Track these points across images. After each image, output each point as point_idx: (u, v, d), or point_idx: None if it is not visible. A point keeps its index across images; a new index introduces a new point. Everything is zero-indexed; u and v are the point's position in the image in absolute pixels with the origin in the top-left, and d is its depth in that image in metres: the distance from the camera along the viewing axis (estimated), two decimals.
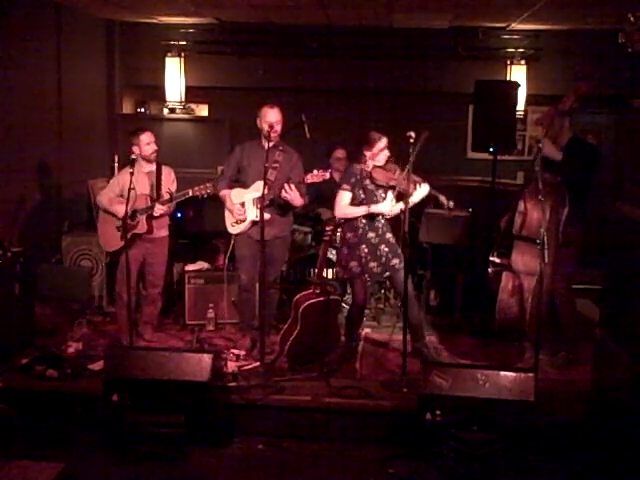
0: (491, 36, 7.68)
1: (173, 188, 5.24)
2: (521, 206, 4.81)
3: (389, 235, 4.99)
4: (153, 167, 5.24)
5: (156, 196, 5.15)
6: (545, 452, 4.02)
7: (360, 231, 4.88)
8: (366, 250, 4.86)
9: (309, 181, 4.83)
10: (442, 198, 4.87)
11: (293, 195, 4.83)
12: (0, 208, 5.93)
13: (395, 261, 4.92)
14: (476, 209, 6.33)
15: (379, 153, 4.84)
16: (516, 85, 6.48)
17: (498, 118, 5.97)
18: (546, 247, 4.29)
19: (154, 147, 5.17)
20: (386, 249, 4.92)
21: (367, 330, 5.74)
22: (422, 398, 4.02)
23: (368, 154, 4.84)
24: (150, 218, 5.12)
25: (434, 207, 5.75)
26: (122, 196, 5.12)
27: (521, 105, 7.36)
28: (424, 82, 7.77)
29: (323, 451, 4.19)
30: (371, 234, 4.88)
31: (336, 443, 4.26)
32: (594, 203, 5.17)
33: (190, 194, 5.03)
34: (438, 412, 3.91)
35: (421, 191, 4.75)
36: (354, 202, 4.85)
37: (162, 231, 5.29)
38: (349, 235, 4.92)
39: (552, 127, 4.93)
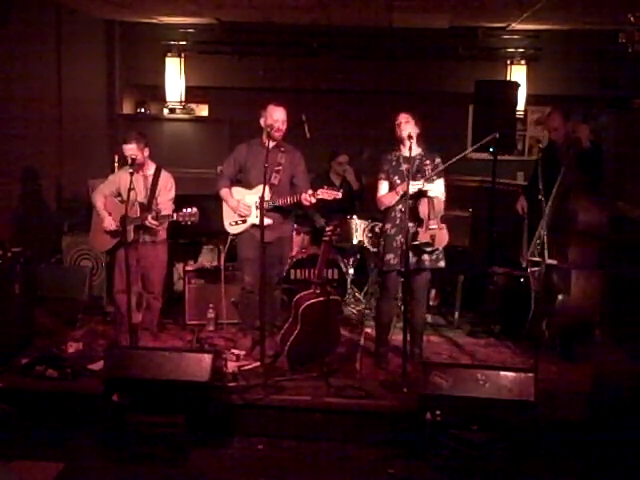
0: (491, 36, 7.68)
1: (170, 196, 5.12)
2: (572, 203, 4.79)
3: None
4: (151, 171, 5.11)
5: (148, 203, 5.02)
6: (545, 452, 4.02)
7: (398, 221, 4.76)
8: (403, 240, 4.66)
9: (319, 197, 4.77)
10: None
11: (314, 201, 4.80)
12: (0, 208, 5.93)
13: (425, 257, 4.78)
14: (476, 209, 6.34)
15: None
16: (516, 85, 6.48)
17: (498, 118, 5.97)
18: (546, 247, 4.29)
19: (132, 156, 4.88)
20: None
21: (367, 330, 5.74)
22: (422, 398, 4.02)
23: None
24: (138, 228, 4.97)
25: None
26: (120, 195, 5.08)
27: (521, 105, 7.36)
28: (424, 82, 7.77)
29: (323, 451, 4.19)
30: (410, 224, 4.67)
31: (336, 443, 4.26)
32: None
33: (174, 218, 4.89)
34: (438, 412, 3.90)
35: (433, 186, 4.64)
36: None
37: (153, 236, 5.09)
38: (387, 226, 4.84)
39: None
